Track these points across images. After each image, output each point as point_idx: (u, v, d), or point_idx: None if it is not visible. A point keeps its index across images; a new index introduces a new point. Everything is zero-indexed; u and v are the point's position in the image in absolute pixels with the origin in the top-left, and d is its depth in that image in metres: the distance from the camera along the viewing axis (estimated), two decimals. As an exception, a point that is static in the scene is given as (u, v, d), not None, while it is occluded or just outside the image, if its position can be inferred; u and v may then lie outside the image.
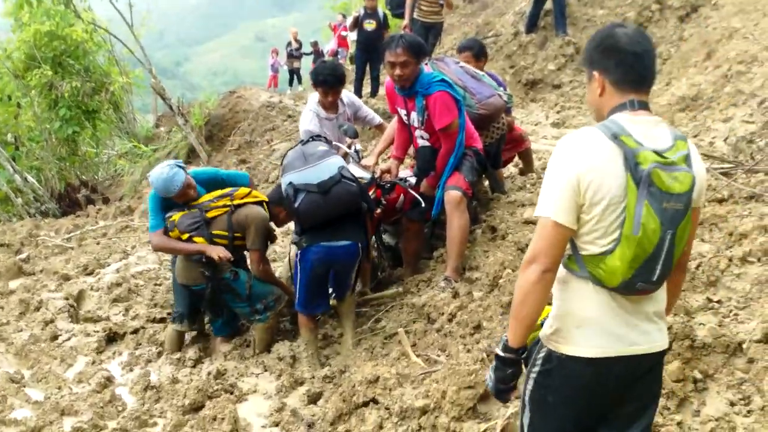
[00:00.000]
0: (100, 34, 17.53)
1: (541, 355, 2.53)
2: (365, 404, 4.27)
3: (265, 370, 5.41)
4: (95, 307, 7.08)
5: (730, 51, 7.86)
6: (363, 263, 5.37)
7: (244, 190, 5.55)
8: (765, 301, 3.75)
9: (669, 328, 3.55)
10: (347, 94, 6.55)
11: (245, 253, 5.72)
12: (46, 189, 15.27)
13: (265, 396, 5.09)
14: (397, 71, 4.99)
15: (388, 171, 5.62)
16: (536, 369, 2.55)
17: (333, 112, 6.28)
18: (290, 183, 4.86)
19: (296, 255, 5.15)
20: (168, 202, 5.52)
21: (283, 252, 7.34)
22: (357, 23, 12.21)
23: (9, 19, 17.83)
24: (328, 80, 6.03)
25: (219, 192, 5.52)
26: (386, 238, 6.32)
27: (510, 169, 7.41)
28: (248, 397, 5.10)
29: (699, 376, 3.49)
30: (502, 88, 6.20)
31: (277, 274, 6.13)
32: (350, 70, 14.88)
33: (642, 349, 2.43)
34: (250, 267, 5.66)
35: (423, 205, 5.44)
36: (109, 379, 5.50)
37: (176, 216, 5.37)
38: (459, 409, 3.80)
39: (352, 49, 16.45)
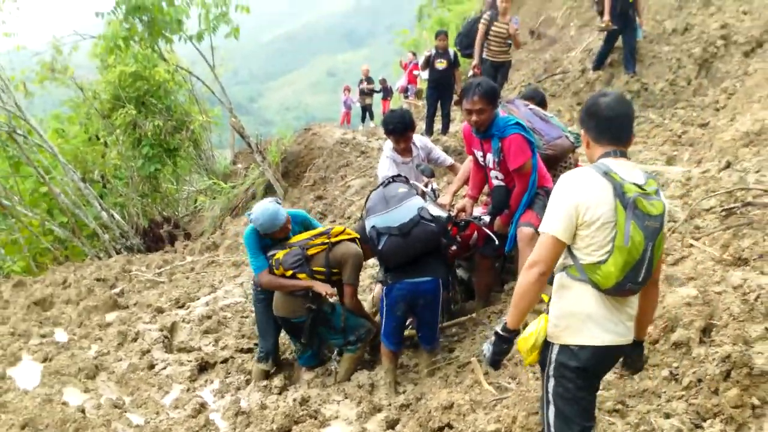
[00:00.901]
0: (182, 74, 18.23)
1: (555, 352, 3.18)
2: (440, 429, 4.43)
3: (346, 398, 5.61)
4: (187, 338, 7.48)
5: (794, 87, 7.85)
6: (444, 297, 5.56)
7: (338, 228, 5.83)
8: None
9: (728, 356, 3.82)
10: (419, 138, 6.77)
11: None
12: (130, 225, 15.89)
13: (347, 422, 5.29)
14: (474, 118, 5.19)
15: (463, 209, 5.81)
16: (553, 366, 3.19)
17: (408, 156, 6.52)
18: (373, 226, 5.11)
19: (382, 291, 5.37)
20: (264, 240, 5.85)
21: (368, 286, 7.57)
22: (428, 62, 12.45)
23: (95, 60, 18.75)
24: (398, 128, 6.28)
25: (316, 231, 5.86)
26: (460, 272, 6.48)
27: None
28: (331, 423, 5.31)
29: (757, 402, 3.61)
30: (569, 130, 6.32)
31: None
32: (420, 105, 15.13)
33: (625, 340, 3.19)
34: (344, 300, 5.89)
35: (496, 242, 5.59)
36: (203, 405, 5.83)
37: (280, 254, 5.67)
38: None
39: (420, 85, 16.72)
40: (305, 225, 6.14)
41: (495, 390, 4.61)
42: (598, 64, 12.30)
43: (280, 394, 5.90)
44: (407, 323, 5.75)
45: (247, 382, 6.24)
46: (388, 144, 6.58)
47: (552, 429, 3.22)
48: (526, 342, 3.28)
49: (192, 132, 18.26)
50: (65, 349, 7.30)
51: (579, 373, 3.15)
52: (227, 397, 6.05)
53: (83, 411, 5.62)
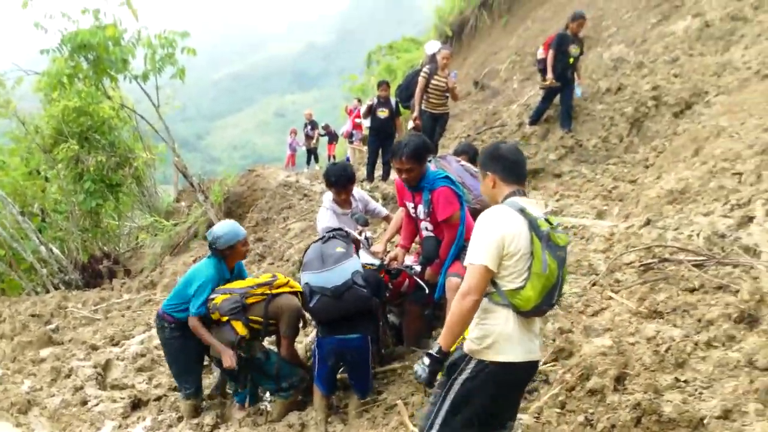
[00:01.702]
0: (127, 111, 18.27)
1: (471, 365, 3.56)
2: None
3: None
4: (121, 375, 7.54)
5: (716, 148, 8.27)
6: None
7: (282, 279, 5.93)
8: (726, 382, 4.13)
9: (639, 404, 4.06)
10: (357, 190, 6.94)
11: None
12: (69, 260, 15.74)
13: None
14: (404, 176, 5.50)
15: (395, 258, 6.04)
16: (464, 376, 3.58)
17: (347, 208, 6.67)
18: (307, 283, 5.25)
19: (314, 341, 5.56)
20: (222, 272, 6.01)
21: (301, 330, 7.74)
22: (370, 111, 12.76)
23: (38, 94, 18.67)
24: (340, 181, 6.45)
25: (260, 279, 5.93)
26: (391, 317, 6.68)
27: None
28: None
29: (665, 449, 3.86)
30: None
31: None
32: (365, 151, 15.44)
33: (537, 356, 3.69)
34: (280, 351, 5.99)
35: (426, 290, 5.82)
36: (135, 443, 5.90)
37: (218, 299, 5.75)
38: None
39: (365, 132, 17.04)
40: (239, 271, 6.29)
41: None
42: (535, 120, 12.69)
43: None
44: (341, 369, 5.94)
45: (179, 419, 6.30)
46: (328, 195, 6.72)
47: (438, 425, 3.65)
48: None
49: (135, 168, 18.28)
50: (-1, 383, 7.30)
51: (495, 388, 3.59)
52: (158, 433, 6.13)
53: (13, 445, 5.70)
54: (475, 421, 3.65)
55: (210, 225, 14.44)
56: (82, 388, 7.15)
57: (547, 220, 3.50)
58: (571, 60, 11.77)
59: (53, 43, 14.44)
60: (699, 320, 4.80)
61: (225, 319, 5.70)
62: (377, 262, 5.89)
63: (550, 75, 11.65)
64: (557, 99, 12.36)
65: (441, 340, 3.50)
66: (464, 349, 3.61)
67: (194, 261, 12.19)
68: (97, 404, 6.82)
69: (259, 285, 5.80)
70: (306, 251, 5.53)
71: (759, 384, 3.90)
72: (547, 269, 3.41)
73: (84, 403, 6.84)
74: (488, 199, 3.79)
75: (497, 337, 3.51)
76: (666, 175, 8.85)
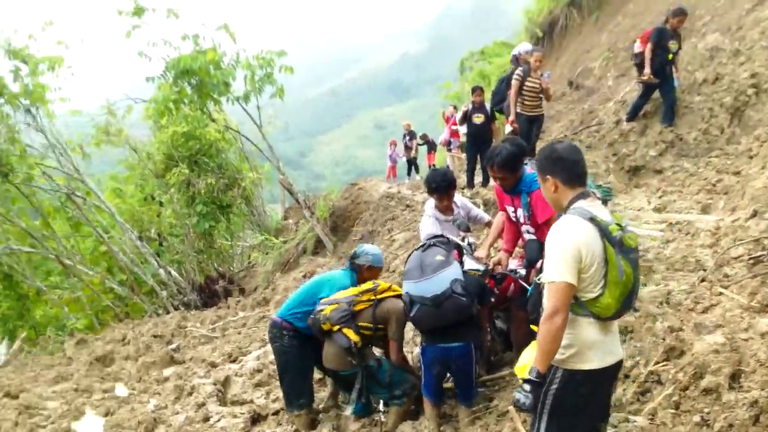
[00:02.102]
0: (232, 133, 18.79)
1: (559, 375, 3.54)
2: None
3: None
4: (240, 391, 7.73)
5: (824, 134, 7.85)
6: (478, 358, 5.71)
7: (384, 284, 5.98)
8: None
9: (756, 401, 3.93)
10: (459, 197, 6.93)
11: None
12: (187, 281, 16.30)
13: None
14: (499, 183, 5.49)
15: (499, 263, 5.98)
16: (555, 386, 3.55)
17: (449, 215, 6.65)
18: (407, 293, 5.28)
19: (420, 351, 5.55)
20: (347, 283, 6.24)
21: (411, 338, 7.75)
22: (466, 117, 12.71)
23: (148, 122, 19.45)
24: (441, 187, 6.45)
25: (364, 287, 5.99)
26: (498, 323, 6.60)
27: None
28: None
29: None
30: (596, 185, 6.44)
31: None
32: (464, 158, 15.35)
33: (620, 355, 3.65)
34: (390, 355, 6.00)
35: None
36: (257, 457, 6.02)
37: (327, 310, 5.84)
38: None
39: (462, 139, 16.95)
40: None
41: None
42: (632, 116, 12.36)
43: (328, 444, 6.05)
44: (447, 377, 5.91)
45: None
46: (431, 202, 6.73)
47: None
48: (523, 371, 3.60)
49: (243, 189, 18.73)
50: (125, 403, 7.63)
51: (585, 393, 3.59)
52: (279, 447, 6.24)
53: (143, 463, 5.93)
54: (574, 425, 3.69)
55: (318, 241, 14.69)
56: (204, 404, 7.39)
57: (617, 224, 3.46)
58: (671, 56, 11.40)
59: (158, 70, 15.00)
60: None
61: (336, 328, 5.78)
62: (482, 267, 5.82)
63: (647, 70, 11.31)
64: (655, 94, 12.01)
65: (537, 363, 3.46)
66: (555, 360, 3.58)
67: (304, 276, 12.39)
68: (219, 420, 7.02)
69: (364, 292, 5.88)
70: (407, 259, 5.54)
71: None
72: (623, 275, 3.40)
73: (206, 419, 7.06)
74: (551, 204, 3.75)
75: (581, 346, 3.52)
76: (771, 164, 8.43)
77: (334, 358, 5.91)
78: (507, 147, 5.36)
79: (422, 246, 5.53)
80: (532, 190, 5.34)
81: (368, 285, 5.94)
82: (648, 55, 11.28)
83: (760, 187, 7.59)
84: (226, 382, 7.97)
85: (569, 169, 3.57)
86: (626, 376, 5.01)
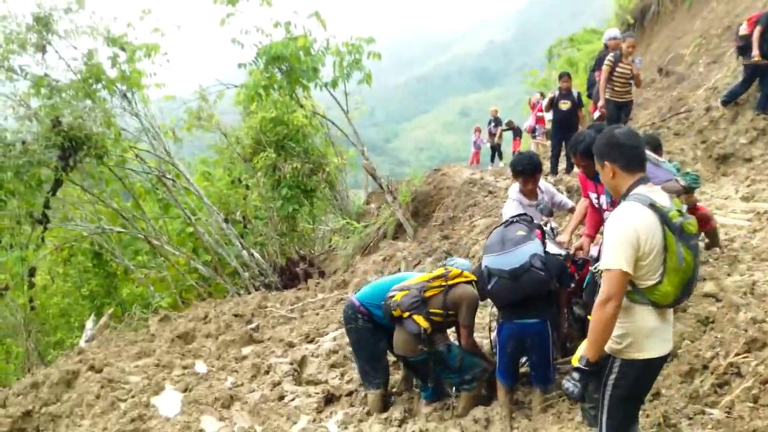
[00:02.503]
0: (318, 118, 18.98)
1: (617, 364, 3.58)
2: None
3: (462, 431, 5.74)
4: (316, 371, 7.83)
5: None
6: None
7: (456, 270, 5.98)
8: None
9: None
10: (543, 182, 6.90)
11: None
12: (269, 263, 16.59)
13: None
14: (582, 170, 5.39)
15: (581, 248, 5.88)
16: (613, 376, 3.60)
17: (534, 199, 6.64)
18: (486, 266, 5.30)
19: (495, 329, 5.48)
20: None
21: (480, 323, 7.70)
22: (552, 103, 12.59)
23: (238, 107, 19.81)
24: (527, 169, 6.47)
25: (435, 273, 6.04)
26: (577, 309, 6.49)
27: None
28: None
29: None
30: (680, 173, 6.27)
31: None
32: (548, 145, 15.12)
33: (672, 344, 3.69)
34: (460, 341, 6.04)
35: None
36: (328, 436, 6.09)
37: (398, 296, 5.92)
38: None
39: (548, 126, 16.71)
40: None
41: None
42: (728, 101, 11.95)
43: (399, 426, 6.08)
44: (523, 360, 5.84)
45: (368, 414, 6.44)
46: (515, 187, 6.72)
47: (605, 426, 3.70)
48: (575, 359, 3.69)
49: (328, 174, 18.88)
50: (204, 380, 7.84)
51: (642, 380, 3.66)
52: (350, 428, 6.30)
53: (219, 438, 6.06)
54: (633, 413, 3.83)
55: (399, 226, 14.70)
56: (279, 383, 7.51)
57: (677, 210, 3.49)
58: None
59: (249, 57, 15.27)
60: None
61: (406, 314, 5.84)
62: (563, 252, 5.76)
63: (756, 51, 10.92)
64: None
65: (587, 351, 3.51)
66: (606, 350, 3.60)
67: (383, 260, 12.42)
68: (293, 399, 7.13)
69: (435, 278, 5.93)
70: (489, 234, 5.57)
71: None
72: (683, 262, 3.40)
73: (281, 398, 7.18)
74: (610, 190, 3.76)
75: (638, 334, 3.52)
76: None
77: (404, 344, 5.96)
78: (591, 134, 5.33)
79: (505, 222, 5.56)
80: None
81: (440, 271, 5.96)
82: (756, 37, 10.92)
83: None
84: (302, 362, 8.11)
85: (627, 154, 3.58)
86: (705, 367, 4.98)
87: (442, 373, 6.06)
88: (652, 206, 3.40)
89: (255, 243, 17.94)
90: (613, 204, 5.43)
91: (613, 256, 3.36)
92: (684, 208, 3.57)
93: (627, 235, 3.36)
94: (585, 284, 5.45)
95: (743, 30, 11.37)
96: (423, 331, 5.76)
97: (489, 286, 5.26)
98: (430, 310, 5.81)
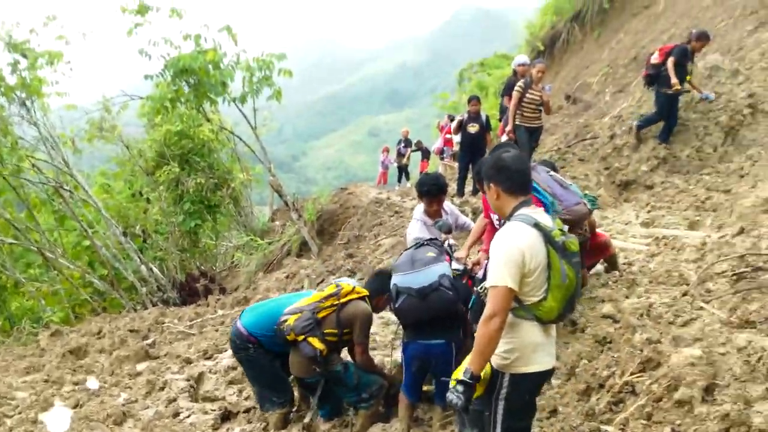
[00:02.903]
0: (225, 133, 18.79)
1: (506, 379, 3.68)
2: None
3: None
4: (213, 387, 7.69)
5: (817, 153, 7.95)
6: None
7: (347, 287, 5.92)
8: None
9: (727, 415, 4.01)
10: (448, 204, 7.00)
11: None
12: (168, 279, 16.27)
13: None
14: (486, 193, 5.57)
15: (478, 263, 6.01)
16: (504, 392, 3.69)
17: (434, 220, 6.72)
18: (395, 284, 5.28)
19: (399, 347, 5.56)
20: None
21: (383, 341, 7.73)
22: (461, 126, 12.84)
23: (142, 120, 19.42)
24: (432, 190, 6.53)
25: (326, 292, 5.96)
26: (476, 326, 6.63)
27: (597, 267, 7.61)
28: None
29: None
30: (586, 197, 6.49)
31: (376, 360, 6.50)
32: (456, 167, 15.40)
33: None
34: (355, 358, 5.99)
35: None
36: (224, 453, 6.01)
37: (291, 320, 5.78)
38: None
39: (456, 148, 17.03)
40: None
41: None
42: (644, 125, 12.29)
43: (297, 443, 6.04)
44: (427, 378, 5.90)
45: (265, 430, 6.36)
46: (419, 207, 6.79)
47: None
48: (456, 374, 3.72)
49: (233, 189, 18.76)
50: (96, 396, 7.59)
51: (527, 395, 3.78)
52: (246, 446, 6.21)
53: (108, 457, 5.87)
54: (523, 428, 3.92)
55: (303, 243, 14.67)
56: (175, 400, 7.35)
57: (560, 229, 3.65)
58: (688, 77, 11.51)
59: (157, 68, 14.99)
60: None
61: (301, 338, 5.72)
62: (461, 267, 5.86)
63: (675, 80, 11.28)
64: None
65: (471, 364, 3.56)
66: (493, 364, 3.72)
67: (287, 277, 12.37)
68: (188, 416, 6.99)
69: (327, 297, 5.83)
70: (399, 257, 5.58)
71: None
72: (567, 279, 3.57)
73: (176, 414, 7.01)
74: (496, 210, 3.95)
75: (524, 349, 3.65)
76: (762, 183, 8.61)
77: (300, 367, 5.90)
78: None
79: (415, 245, 5.58)
80: None
81: (331, 289, 5.89)
82: (671, 67, 11.26)
83: (749, 206, 7.71)
84: (199, 378, 7.95)
85: (512, 178, 3.72)
86: (601, 386, 5.14)
87: (339, 392, 6.03)
88: (536, 226, 3.55)
89: (154, 258, 17.57)
90: None
91: (499, 274, 3.48)
92: (566, 228, 3.73)
93: (512, 253, 3.48)
94: (471, 304, 5.54)
95: (655, 59, 11.73)
96: (318, 353, 5.71)
97: (397, 304, 5.25)
98: (325, 331, 5.74)
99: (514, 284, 3.46)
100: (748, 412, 3.93)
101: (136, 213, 18.41)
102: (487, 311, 3.48)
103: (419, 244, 5.55)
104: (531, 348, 3.64)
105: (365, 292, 5.90)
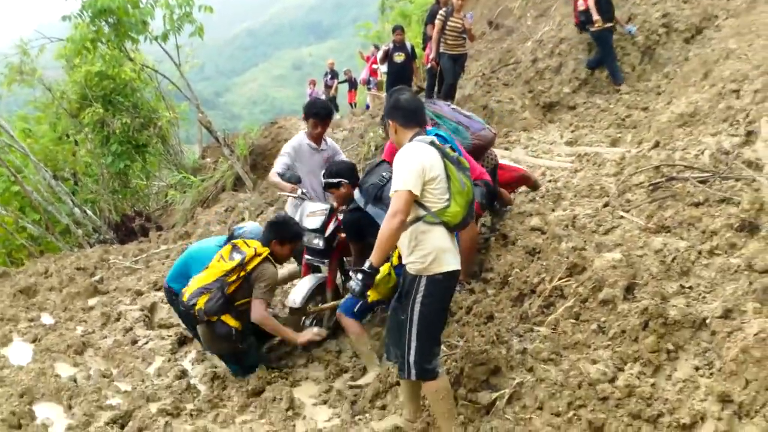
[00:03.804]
0: (148, 72, 18.57)
1: (423, 283, 4.15)
2: (397, 383, 5.08)
3: (315, 361, 6.29)
4: (167, 316, 7.99)
5: (725, 70, 8.47)
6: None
7: (250, 251, 5.67)
8: (726, 285, 4.46)
9: (646, 309, 4.39)
10: (332, 141, 7.28)
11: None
12: (102, 220, 16.27)
13: (316, 381, 5.98)
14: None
15: None
16: (420, 293, 4.16)
17: (319, 145, 7.02)
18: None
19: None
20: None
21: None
22: (387, 56, 13.04)
23: (61, 61, 18.98)
24: (320, 113, 6.89)
25: (230, 265, 5.64)
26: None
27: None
28: (301, 383, 5.99)
29: (671, 347, 4.22)
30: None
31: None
32: (383, 97, 15.64)
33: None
34: (252, 315, 5.73)
35: None
36: (184, 372, 6.38)
37: (200, 302, 5.59)
38: (475, 382, 4.72)
39: (381, 78, 17.23)
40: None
41: (446, 348, 5.19)
42: (594, 67, 12.57)
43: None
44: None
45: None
46: (297, 139, 7.04)
47: (414, 347, 4.21)
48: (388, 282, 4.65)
49: (160, 128, 18.61)
50: (53, 330, 7.80)
51: (444, 295, 4.28)
52: (205, 363, 6.62)
53: (75, 381, 6.22)
54: (437, 335, 4.36)
55: (238, 179, 14.84)
56: (131, 329, 7.64)
57: (451, 148, 4.35)
58: (613, 12, 11.85)
59: (74, 9, 14.71)
60: (703, 231, 5.11)
61: (215, 318, 5.66)
62: (326, 206, 6.31)
63: (597, 17, 11.60)
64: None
65: (372, 257, 4.06)
66: (411, 272, 4.21)
67: (226, 211, 12.61)
68: (146, 342, 7.31)
69: (232, 270, 5.62)
70: (383, 189, 5.57)
71: (757, 285, 4.19)
72: (465, 186, 4.15)
73: (134, 342, 7.32)
74: (396, 143, 4.43)
75: (437, 252, 4.11)
76: (677, 100, 9.08)
77: (214, 344, 5.98)
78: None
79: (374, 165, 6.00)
80: None
81: (235, 262, 5.65)
82: (593, 5, 11.56)
83: (665, 122, 8.22)
84: (152, 308, 8.27)
85: (406, 114, 4.29)
86: (532, 292, 5.58)
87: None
88: (432, 143, 4.15)
89: (86, 200, 17.48)
90: None
91: (401, 180, 3.97)
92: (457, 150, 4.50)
93: (412, 163, 4.00)
94: (344, 224, 5.78)
95: (581, 6, 11.94)
96: (234, 331, 5.68)
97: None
98: (237, 304, 5.69)
99: (415, 188, 3.95)
100: (665, 306, 4.35)
101: (64, 156, 18.18)
102: (390, 210, 3.95)
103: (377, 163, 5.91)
104: (443, 249, 4.12)
105: (267, 251, 5.79)
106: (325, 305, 6.42)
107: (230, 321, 5.69)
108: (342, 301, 5.92)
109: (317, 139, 6.97)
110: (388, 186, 5.34)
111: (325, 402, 5.62)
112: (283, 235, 5.88)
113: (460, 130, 6.18)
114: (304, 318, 6.39)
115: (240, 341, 5.81)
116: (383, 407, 5.20)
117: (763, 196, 5.05)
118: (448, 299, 4.47)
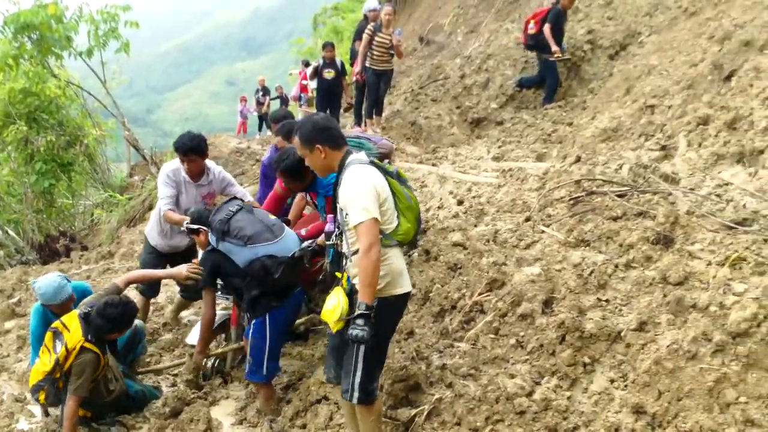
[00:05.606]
0: (73, 89, 18.16)
1: (374, 305, 3.86)
2: (318, 401, 5.03)
3: (234, 381, 6.25)
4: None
5: (647, 86, 8.74)
6: None
7: (63, 351, 5.28)
8: (641, 298, 4.57)
9: (563, 323, 4.49)
10: (222, 171, 6.83)
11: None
12: (25, 241, 15.78)
13: (236, 400, 5.94)
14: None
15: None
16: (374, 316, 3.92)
17: (192, 180, 6.51)
18: (272, 256, 5.14)
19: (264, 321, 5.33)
20: (47, 315, 5.80)
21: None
22: (317, 72, 13.06)
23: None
24: (180, 148, 6.30)
25: (52, 364, 5.31)
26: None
27: (449, 200, 8.14)
28: (220, 402, 5.95)
29: (587, 360, 4.31)
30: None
31: None
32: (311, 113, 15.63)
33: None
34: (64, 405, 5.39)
35: None
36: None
37: (41, 398, 5.52)
38: (394, 399, 4.70)
39: (311, 94, 17.25)
40: (84, 297, 5.77)
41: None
42: (523, 86, 12.78)
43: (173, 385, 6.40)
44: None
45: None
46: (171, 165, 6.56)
47: (361, 368, 4.08)
48: (332, 314, 3.98)
49: (86, 146, 18.20)
50: (-34, 354, 7.53)
51: (395, 317, 4.27)
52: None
53: (-13, 405, 6.02)
54: (382, 355, 4.33)
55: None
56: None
57: (388, 163, 4.36)
58: (564, 38, 12.04)
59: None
60: (620, 245, 5.23)
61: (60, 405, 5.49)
62: None
63: (556, 47, 11.72)
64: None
65: (363, 297, 3.83)
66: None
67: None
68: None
69: (53, 370, 5.32)
70: (237, 225, 5.26)
71: (671, 297, 4.32)
72: (411, 200, 4.12)
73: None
74: (323, 170, 4.26)
75: (393, 275, 4.06)
76: (600, 115, 9.30)
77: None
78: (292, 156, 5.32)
79: (240, 208, 5.44)
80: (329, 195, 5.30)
81: (53, 358, 5.34)
82: (549, 34, 11.66)
83: (589, 136, 8.41)
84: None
85: (333, 135, 4.12)
86: (453, 307, 5.65)
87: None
88: (372, 163, 4.06)
89: (9, 220, 16.93)
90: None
91: (362, 210, 3.80)
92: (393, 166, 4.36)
93: (366, 188, 3.86)
94: (330, 257, 4.99)
95: (531, 29, 12.03)
96: (85, 417, 5.51)
97: (276, 275, 5.12)
98: (70, 377, 5.31)
99: (377, 214, 3.84)
100: (581, 319, 4.48)
101: (-15, 175, 17.62)
102: (363, 245, 3.78)
103: (246, 208, 5.43)
104: (398, 272, 4.08)
105: (81, 341, 5.30)
106: (227, 347, 6.37)
107: (79, 411, 5.32)
108: (242, 345, 5.80)
109: (190, 173, 6.46)
110: (235, 218, 5.27)
111: (242, 421, 5.57)
112: (108, 329, 5.35)
113: (363, 144, 6.19)
114: (205, 360, 6.19)
115: (96, 420, 5.64)
116: (303, 426, 5.17)
117: (678, 209, 5.18)
118: (398, 321, 4.42)
